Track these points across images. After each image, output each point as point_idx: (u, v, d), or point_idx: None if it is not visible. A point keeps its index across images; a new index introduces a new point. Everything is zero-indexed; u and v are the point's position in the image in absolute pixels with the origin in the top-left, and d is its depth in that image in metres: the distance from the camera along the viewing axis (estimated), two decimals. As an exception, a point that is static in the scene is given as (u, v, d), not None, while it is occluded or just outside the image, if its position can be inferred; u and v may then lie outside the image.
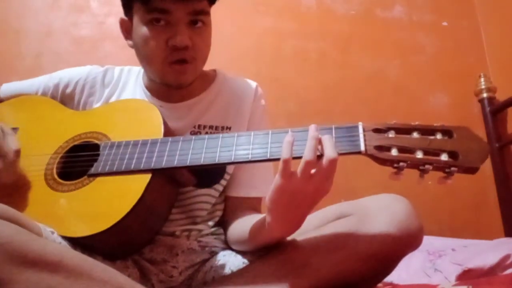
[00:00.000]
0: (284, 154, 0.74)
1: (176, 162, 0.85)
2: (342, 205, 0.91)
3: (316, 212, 0.92)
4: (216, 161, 0.83)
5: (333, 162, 0.72)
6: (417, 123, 0.76)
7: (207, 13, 0.97)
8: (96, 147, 0.93)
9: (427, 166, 0.72)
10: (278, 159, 0.75)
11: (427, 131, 0.75)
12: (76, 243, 0.81)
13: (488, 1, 2.17)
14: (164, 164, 0.85)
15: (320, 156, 0.73)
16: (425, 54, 2.13)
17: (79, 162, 0.93)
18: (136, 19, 0.97)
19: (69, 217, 0.86)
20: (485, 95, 2.00)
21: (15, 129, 0.98)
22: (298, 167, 0.73)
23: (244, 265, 0.92)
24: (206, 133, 1.02)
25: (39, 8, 1.95)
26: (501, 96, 1.98)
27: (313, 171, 0.73)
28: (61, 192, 0.89)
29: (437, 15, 2.17)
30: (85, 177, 0.89)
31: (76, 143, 0.96)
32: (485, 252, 1.34)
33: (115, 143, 0.91)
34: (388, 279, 1.02)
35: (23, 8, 1.94)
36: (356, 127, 0.77)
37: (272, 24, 2.06)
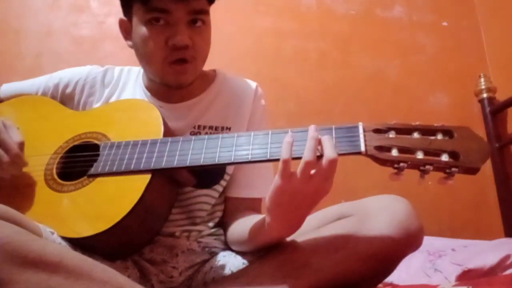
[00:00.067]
0: (284, 154, 0.73)
1: (176, 162, 0.85)
2: (342, 206, 0.91)
3: (316, 213, 0.92)
4: (216, 162, 0.83)
5: (333, 163, 0.72)
6: (417, 123, 0.76)
7: (206, 12, 0.97)
8: (96, 147, 0.93)
9: (427, 167, 0.72)
10: (278, 160, 0.75)
11: (427, 131, 0.75)
12: (76, 243, 0.81)
13: (488, 1, 2.17)
14: (164, 164, 0.85)
15: (320, 157, 0.73)
16: (425, 54, 2.13)
17: (79, 162, 0.93)
18: (135, 19, 0.97)
19: (69, 217, 0.86)
20: (485, 95, 2.00)
21: (15, 129, 0.98)
22: (298, 168, 0.73)
23: (244, 265, 0.92)
24: (206, 133, 1.02)
25: (39, 8, 1.95)
26: (501, 96, 1.98)
27: (313, 171, 0.73)
28: (61, 193, 0.89)
29: (437, 15, 2.17)
30: (85, 177, 0.89)
31: (76, 143, 0.96)
32: (485, 252, 1.33)
33: (115, 143, 0.91)
34: (388, 279, 1.02)
35: (23, 8, 1.94)
36: (356, 127, 0.77)
37: (272, 24, 2.06)
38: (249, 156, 0.81)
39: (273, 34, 2.05)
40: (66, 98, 1.09)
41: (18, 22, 1.92)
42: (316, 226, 0.89)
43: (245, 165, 1.02)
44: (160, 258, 0.96)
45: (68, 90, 1.08)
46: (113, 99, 1.07)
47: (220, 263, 0.96)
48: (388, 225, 0.81)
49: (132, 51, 1.02)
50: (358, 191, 1.69)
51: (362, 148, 0.75)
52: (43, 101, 1.08)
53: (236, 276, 0.89)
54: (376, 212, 0.83)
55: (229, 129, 1.04)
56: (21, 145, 0.88)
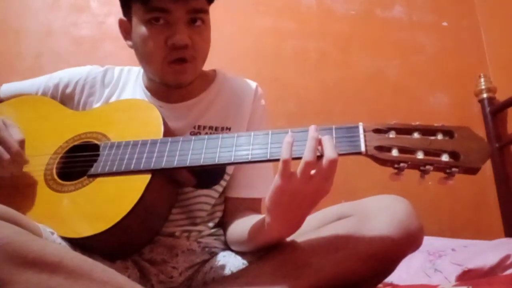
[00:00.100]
0: (284, 154, 0.73)
1: (175, 162, 0.85)
2: (342, 206, 0.91)
3: (316, 213, 0.92)
4: (216, 162, 0.83)
5: (333, 163, 0.72)
6: (417, 123, 0.76)
7: (206, 12, 0.97)
8: (96, 147, 0.93)
9: (427, 167, 0.72)
10: (278, 160, 0.75)
11: (428, 131, 0.75)
12: (76, 243, 0.81)
13: (488, 1, 2.17)
14: (164, 164, 0.85)
15: (320, 157, 0.73)
16: (425, 54, 2.13)
17: (79, 162, 0.93)
18: (135, 19, 0.97)
19: (69, 217, 0.85)
20: (485, 95, 2.00)
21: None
22: (298, 168, 0.73)
23: (244, 265, 0.92)
24: (206, 133, 1.02)
25: (39, 8, 1.95)
26: (501, 96, 1.98)
27: (313, 171, 0.73)
28: (60, 193, 0.88)
29: (437, 15, 2.17)
30: (85, 177, 0.89)
31: (76, 143, 0.96)
32: (485, 252, 1.33)
33: (114, 143, 0.91)
34: (388, 279, 1.02)
35: (23, 8, 1.94)
36: (357, 127, 0.77)
37: (272, 24, 2.06)
38: (249, 156, 0.81)
39: (273, 34, 2.05)
40: (66, 98, 1.08)
41: (18, 22, 1.92)
42: (316, 226, 0.89)
43: (245, 165, 1.02)
44: (160, 258, 0.96)
45: (68, 90, 1.08)
46: (113, 99, 1.07)
47: (220, 263, 0.96)
48: (388, 225, 0.81)
49: (132, 51, 1.02)
50: (358, 191, 1.69)
51: (362, 148, 0.75)
52: (43, 101, 1.08)
53: (236, 276, 0.89)
54: (376, 212, 0.83)
55: (229, 129, 1.04)
56: (22, 143, 0.88)
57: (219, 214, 1.05)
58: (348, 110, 1.98)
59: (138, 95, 1.06)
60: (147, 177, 0.84)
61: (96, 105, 1.06)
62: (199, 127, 1.02)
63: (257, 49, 2.02)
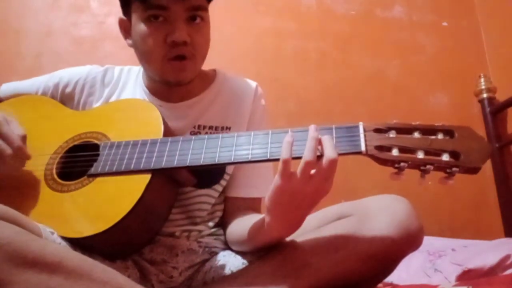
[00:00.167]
0: (284, 154, 0.73)
1: (175, 162, 0.85)
2: (342, 206, 0.91)
3: (316, 213, 0.92)
4: (216, 161, 0.82)
5: (333, 163, 0.72)
6: (418, 122, 0.76)
7: (205, 9, 0.97)
8: (95, 147, 0.93)
9: (428, 166, 0.72)
10: (278, 159, 0.75)
11: (428, 131, 0.75)
12: (76, 243, 0.81)
13: (488, 1, 2.17)
14: (163, 164, 0.85)
15: (320, 157, 0.73)
16: (425, 54, 2.13)
17: (79, 162, 0.93)
18: (134, 17, 0.97)
19: (69, 217, 0.85)
20: (485, 95, 2.00)
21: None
22: (298, 168, 0.73)
23: (244, 265, 0.92)
24: (206, 133, 1.02)
25: (39, 8, 1.95)
26: (501, 96, 1.98)
27: (313, 171, 0.73)
28: (60, 193, 0.88)
29: (437, 15, 2.17)
30: (85, 177, 0.89)
31: (76, 143, 0.96)
32: (485, 252, 1.33)
33: (114, 143, 0.91)
34: (388, 279, 1.02)
35: (23, 8, 1.94)
36: (357, 127, 0.77)
37: (272, 24, 2.06)
38: (249, 156, 0.81)
39: (273, 34, 2.05)
40: (66, 97, 1.08)
41: (18, 22, 1.92)
42: (316, 226, 0.89)
43: (245, 165, 1.01)
44: (160, 258, 0.95)
45: (68, 90, 1.08)
46: (113, 98, 1.07)
47: (220, 263, 0.96)
48: (388, 225, 0.81)
49: (132, 51, 1.02)
50: (358, 191, 1.69)
51: (363, 148, 0.75)
52: (43, 101, 1.08)
53: (236, 276, 0.89)
54: (376, 212, 0.83)
55: (229, 128, 1.04)
56: (23, 138, 0.88)
57: (219, 213, 1.05)
58: (348, 110, 1.98)
59: (138, 95, 1.06)
60: (147, 177, 0.84)
61: (96, 105, 1.06)
62: (199, 126, 1.02)
63: (257, 49, 2.02)
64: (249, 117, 1.06)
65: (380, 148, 0.74)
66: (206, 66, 1.05)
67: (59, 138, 0.97)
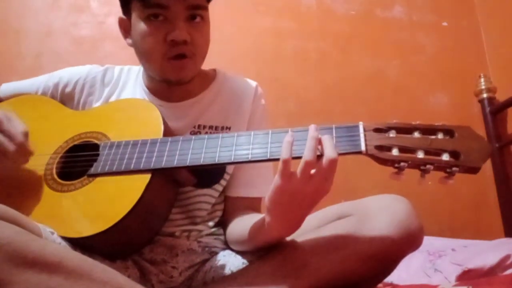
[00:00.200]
0: (284, 154, 0.73)
1: (175, 162, 0.85)
2: (342, 206, 0.91)
3: (316, 213, 0.92)
4: (216, 161, 0.82)
5: (333, 162, 0.72)
6: (418, 122, 0.76)
7: (205, 8, 0.97)
8: (95, 147, 0.93)
9: (428, 166, 0.72)
10: (278, 159, 0.75)
11: (428, 130, 0.75)
12: (76, 243, 0.81)
13: (488, 1, 2.17)
14: (163, 164, 0.85)
15: (320, 156, 0.73)
16: (425, 54, 2.13)
17: (79, 162, 0.93)
18: (134, 17, 0.97)
19: (69, 217, 0.85)
20: (485, 95, 2.00)
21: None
22: (298, 167, 0.73)
23: (244, 265, 0.92)
24: (206, 133, 1.02)
25: (39, 8, 1.95)
26: (501, 96, 1.98)
27: (313, 171, 0.73)
28: (60, 192, 0.88)
29: (437, 15, 2.17)
30: (85, 177, 0.89)
31: (75, 143, 0.96)
32: (485, 252, 1.33)
33: (114, 143, 0.91)
34: (388, 279, 1.02)
35: (23, 8, 1.94)
36: (357, 126, 0.77)
37: (272, 24, 2.06)
38: (249, 156, 0.81)
39: (273, 34, 2.05)
40: (66, 97, 1.08)
41: (18, 22, 1.92)
42: (316, 225, 0.89)
43: (245, 164, 1.01)
44: (160, 258, 0.95)
45: (68, 90, 1.08)
46: (113, 98, 1.07)
47: (220, 263, 0.96)
48: (388, 225, 0.81)
49: (132, 52, 1.02)
50: (358, 191, 1.69)
51: (363, 148, 0.75)
52: (42, 100, 1.08)
53: (236, 276, 0.89)
54: (376, 212, 0.83)
55: (229, 128, 1.04)
56: (26, 134, 0.88)
57: (219, 213, 1.05)
58: (348, 110, 1.98)
59: (138, 94, 1.06)
60: (147, 177, 0.84)
61: (96, 105, 1.06)
62: (199, 126, 1.02)
63: (257, 49, 2.02)
64: (249, 117, 1.06)
65: (380, 147, 0.74)
66: (206, 66, 1.05)
67: (59, 138, 0.97)
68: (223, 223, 1.04)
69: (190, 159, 0.84)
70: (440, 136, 0.74)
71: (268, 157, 0.79)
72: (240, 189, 1.04)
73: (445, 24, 2.17)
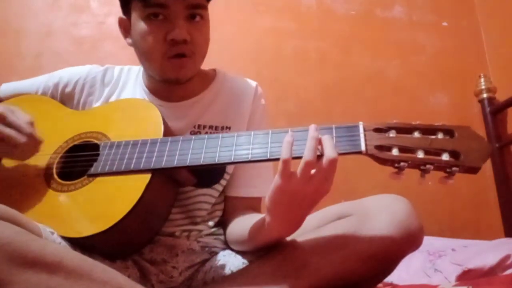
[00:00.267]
0: (284, 154, 0.73)
1: (175, 162, 0.85)
2: (342, 206, 0.91)
3: (316, 212, 0.92)
4: (216, 161, 0.82)
5: (333, 162, 0.72)
6: (418, 122, 0.76)
7: (205, 8, 0.97)
8: (95, 147, 0.93)
9: (428, 166, 0.72)
10: (278, 159, 0.75)
11: (428, 130, 0.75)
12: (76, 243, 0.81)
13: (488, 1, 2.17)
14: (163, 164, 0.85)
15: (320, 156, 0.73)
16: (425, 54, 2.13)
17: (79, 162, 0.93)
18: (134, 16, 0.97)
19: (69, 217, 0.85)
20: (485, 95, 2.00)
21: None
22: (298, 167, 0.73)
23: (244, 265, 0.92)
24: (206, 133, 1.02)
25: (39, 8, 1.95)
26: (501, 96, 1.98)
27: (313, 171, 0.73)
28: (60, 192, 0.88)
29: (437, 15, 2.17)
30: (85, 177, 0.89)
31: (75, 143, 0.96)
32: (485, 252, 1.33)
33: (114, 143, 0.91)
34: (388, 279, 1.02)
35: (23, 8, 1.94)
36: (357, 126, 0.77)
37: (272, 24, 2.06)
38: (249, 156, 0.81)
39: (273, 34, 2.05)
40: (66, 97, 1.08)
41: (18, 22, 1.92)
42: (316, 225, 0.89)
43: (245, 164, 1.01)
44: (160, 258, 0.95)
45: (68, 90, 1.08)
46: (113, 98, 1.07)
47: (220, 262, 0.96)
48: (388, 224, 0.81)
49: (132, 52, 1.02)
50: (358, 191, 1.69)
51: (363, 148, 0.75)
52: (42, 100, 1.08)
53: (236, 276, 0.89)
54: (376, 212, 0.83)
55: (229, 128, 1.04)
56: (32, 124, 0.88)
57: (219, 213, 1.05)
58: (348, 110, 1.98)
59: (138, 94, 1.06)
60: (147, 177, 0.84)
61: (96, 105, 1.06)
62: (199, 126, 1.02)
63: (257, 49, 2.02)
64: (249, 117, 1.06)
65: (380, 147, 0.74)
66: (206, 65, 1.05)
67: (59, 138, 0.97)
68: (223, 223, 1.05)
69: (190, 159, 0.84)
70: (440, 136, 0.74)
71: (268, 157, 0.79)
72: (240, 189, 1.04)
73: (445, 24, 2.17)
